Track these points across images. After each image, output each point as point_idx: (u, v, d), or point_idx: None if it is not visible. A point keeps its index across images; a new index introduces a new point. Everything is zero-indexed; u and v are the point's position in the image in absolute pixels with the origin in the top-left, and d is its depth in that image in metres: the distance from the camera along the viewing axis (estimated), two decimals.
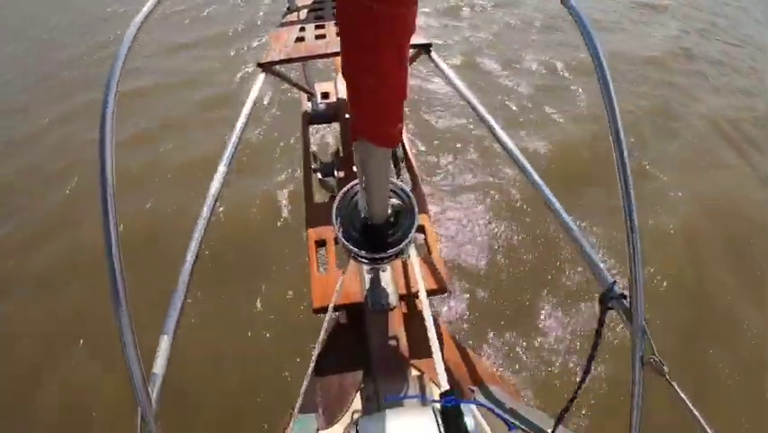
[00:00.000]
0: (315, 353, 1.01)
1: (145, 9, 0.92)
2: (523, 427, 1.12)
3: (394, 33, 0.56)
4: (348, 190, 0.95)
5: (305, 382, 0.95)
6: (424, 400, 1.16)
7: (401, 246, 0.91)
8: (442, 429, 0.81)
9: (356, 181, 0.90)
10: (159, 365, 0.77)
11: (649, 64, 5.75)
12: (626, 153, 0.80)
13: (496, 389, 1.28)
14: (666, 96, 5.19)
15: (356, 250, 0.90)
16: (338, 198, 0.94)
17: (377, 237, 0.90)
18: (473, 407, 1.01)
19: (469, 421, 0.83)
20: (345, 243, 0.91)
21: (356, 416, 1.10)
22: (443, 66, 1.38)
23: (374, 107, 0.65)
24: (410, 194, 0.95)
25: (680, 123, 4.79)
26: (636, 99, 4.98)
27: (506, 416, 1.11)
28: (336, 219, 0.92)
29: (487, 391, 1.24)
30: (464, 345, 1.37)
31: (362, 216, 0.91)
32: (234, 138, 1.17)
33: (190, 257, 0.90)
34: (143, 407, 0.67)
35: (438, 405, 0.85)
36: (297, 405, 0.96)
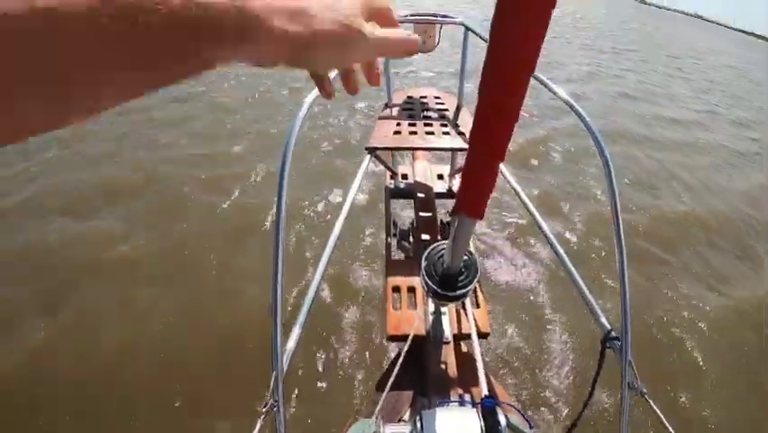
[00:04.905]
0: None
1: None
2: None
3: None
4: (432, 249, 1.28)
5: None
6: (468, 404, 1.44)
7: (468, 289, 1.23)
8: (482, 420, 1.09)
9: (440, 243, 1.26)
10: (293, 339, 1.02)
11: None
12: (618, 208, 1.01)
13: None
14: None
15: (435, 288, 1.22)
16: (426, 253, 1.26)
17: (452, 282, 1.23)
18: (505, 415, 1.24)
19: (501, 419, 1.11)
20: (428, 282, 1.22)
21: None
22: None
23: (478, 189, 0.86)
24: (474, 253, 1.29)
25: None
26: None
27: (527, 416, 1.37)
28: (423, 269, 1.24)
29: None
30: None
31: (443, 266, 1.24)
32: (347, 206, 1.48)
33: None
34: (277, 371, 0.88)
35: (479, 407, 1.14)
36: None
